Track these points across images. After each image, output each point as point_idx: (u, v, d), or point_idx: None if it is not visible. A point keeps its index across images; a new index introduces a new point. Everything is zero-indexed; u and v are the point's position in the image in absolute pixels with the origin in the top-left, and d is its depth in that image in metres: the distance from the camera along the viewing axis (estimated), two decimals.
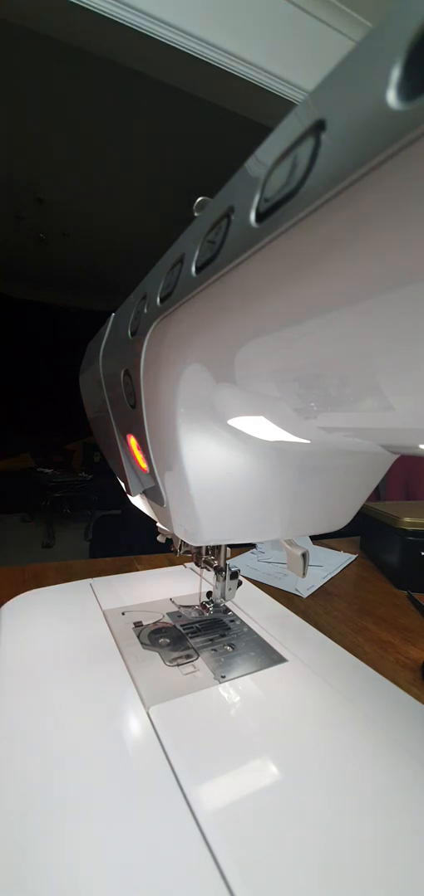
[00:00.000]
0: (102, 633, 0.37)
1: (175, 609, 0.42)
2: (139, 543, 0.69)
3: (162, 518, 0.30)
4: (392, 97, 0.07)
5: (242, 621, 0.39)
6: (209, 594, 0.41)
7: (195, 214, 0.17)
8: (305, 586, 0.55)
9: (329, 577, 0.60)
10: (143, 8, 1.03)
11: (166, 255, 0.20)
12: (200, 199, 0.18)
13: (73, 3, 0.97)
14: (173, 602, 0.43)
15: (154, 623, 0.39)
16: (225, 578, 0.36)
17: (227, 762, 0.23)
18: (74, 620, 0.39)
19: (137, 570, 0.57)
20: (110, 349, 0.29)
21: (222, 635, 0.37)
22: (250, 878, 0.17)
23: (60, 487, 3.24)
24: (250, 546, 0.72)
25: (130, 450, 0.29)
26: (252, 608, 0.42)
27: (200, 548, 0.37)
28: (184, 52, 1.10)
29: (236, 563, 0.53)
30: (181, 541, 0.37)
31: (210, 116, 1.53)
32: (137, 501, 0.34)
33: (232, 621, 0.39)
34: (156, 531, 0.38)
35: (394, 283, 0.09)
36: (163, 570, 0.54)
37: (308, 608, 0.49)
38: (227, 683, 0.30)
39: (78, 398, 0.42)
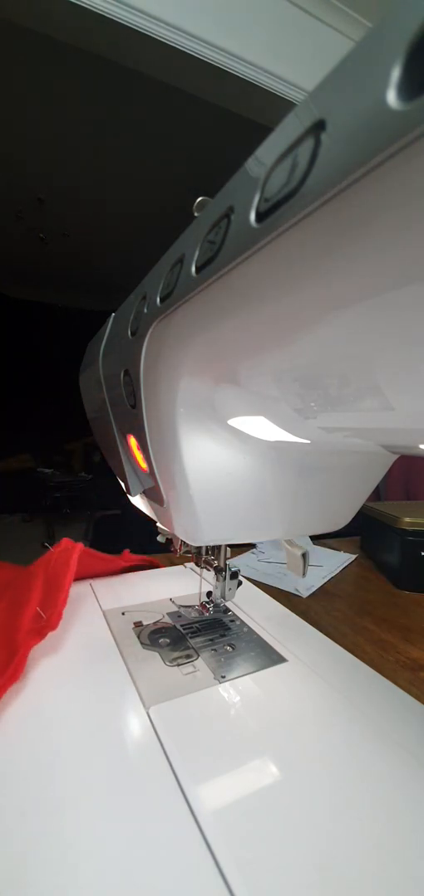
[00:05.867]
0: (102, 633, 0.37)
1: (175, 609, 0.42)
2: (139, 543, 0.69)
3: (162, 518, 0.30)
4: (392, 97, 0.07)
5: (242, 621, 0.39)
6: (209, 594, 0.41)
7: (195, 214, 0.17)
8: (305, 586, 0.55)
9: (329, 577, 0.60)
10: (143, 8, 1.03)
11: (166, 255, 0.20)
12: (200, 199, 0.18)
13: (73, 3, 0.97)
14: (173, 602, 0.43)
15: (154, 623, 0.39)
16: (225, 578, 0.36)
17: (227, 762, 0.23)
18: (74, 620, 0.39)
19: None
20: (110, 349, 0.29)
21: (222, 635, 0.37)
22: (249, 877, 0.17)
23: (60, 487, 3.23)
24: (251, 546, 0.72)
25: (130, 450, 0.29)
26: (252, 608, 0.42)
27: (200, 548, 0.37)
28: (184, 52, 1.10)
29: (236, 563, 0.53)
30: (181, 541, 0.37)
31: (210, 116, 1.53)
32: (137, 501, 0.34)
33: (232, 621, 0.39)
34: (156, 531, 0.38)
35: (394, 283, 0.09)
36: (163, 570, 0.54)
37: (308, 608, 0.49)
38: (227, 683, 0.30)
39: (78, 398, 0.42)
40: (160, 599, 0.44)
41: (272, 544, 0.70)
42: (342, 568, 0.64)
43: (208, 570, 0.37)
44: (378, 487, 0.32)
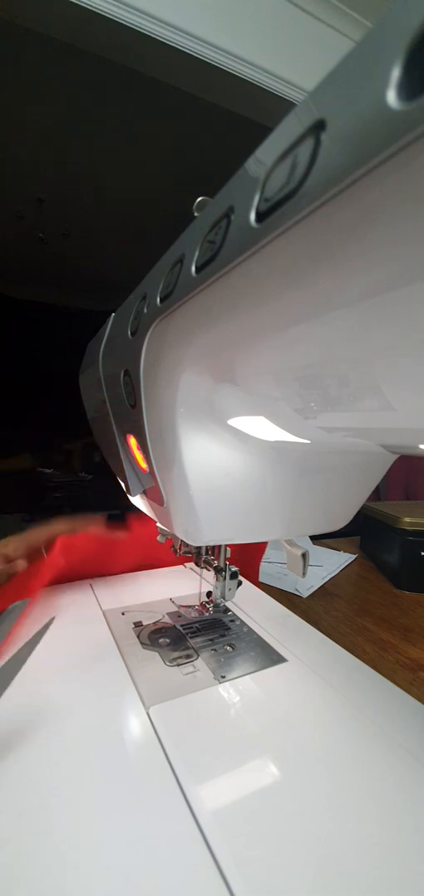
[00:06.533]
0: (102, 633, 0.37)
1: (175, 609, 0.42)
2: None
3: (162, 518, 0.30)
4: (392, 97, 0.07)
5: (242, 621, 0.39)
6: (209, 594, 0.41)
7: (195, 214, 0.17)
8: (305, 586, 0.55)
9: (329, 577, 0.60)
10: (143, 8, 1.03)
11: (166, 255, 0.20)
12: (200, 199, 0.18)
13: (73, 2, 0.97)
14: (173, 602, 0.43)
15: (154, 623, 0.39)
16: (225, 578, 0.36)
17: (227, 762, 0.23)
18: (74, 620, 0.39)
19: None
20: (110, 349, 0.29)
21: (222, 635, 0.37)
22: (249, 877, 0.17)
23: (60, 487, 3.23)
24: None
25: (130, 450, 0.29)
26: (252, 608, 0.42)
27: (200, 548, 0.37)
28: (184, 52, 1.10)
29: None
30: (181, 541, 0.37)
31: (210, 116, 1.53)
32: (137, 501, 0.34)
33: (232, 621, 0.39)
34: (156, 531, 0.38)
35: (394, 283, 0.09)
36: (163, 570, 0.54)
37: (308, 608, 0.49)
38: (227, 683, 0.30)
39: (78, 398, 0.42)
40: (160, 599, 0.44)
41: (272, 544, 0.70)
42: (342, 568, 0.64)
43: (208, 570, 0.37)
44: (378, 487, 0.32)
